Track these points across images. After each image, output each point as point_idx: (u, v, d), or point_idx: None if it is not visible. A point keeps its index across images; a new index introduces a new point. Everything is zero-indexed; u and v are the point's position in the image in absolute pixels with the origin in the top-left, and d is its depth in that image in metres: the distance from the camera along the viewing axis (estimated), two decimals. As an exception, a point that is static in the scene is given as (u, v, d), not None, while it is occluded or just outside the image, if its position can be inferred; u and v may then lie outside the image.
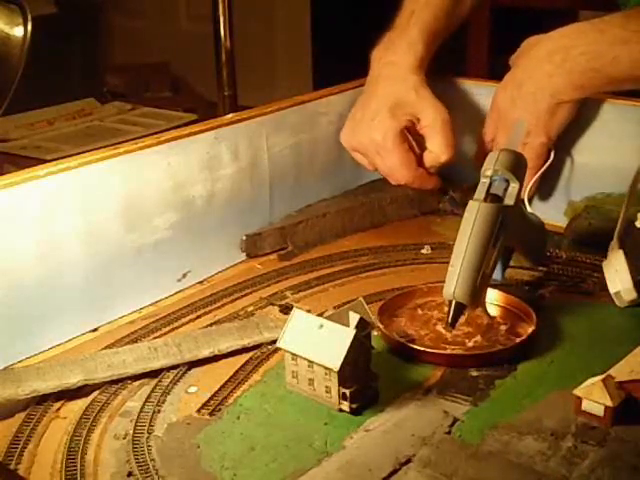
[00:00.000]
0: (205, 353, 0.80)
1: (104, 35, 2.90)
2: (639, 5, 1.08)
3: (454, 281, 0.79)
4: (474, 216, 0.81)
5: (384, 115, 1.05)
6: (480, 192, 0.83)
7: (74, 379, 0.77)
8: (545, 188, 1.09)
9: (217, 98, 1.58)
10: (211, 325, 0.88)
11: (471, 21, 2.19)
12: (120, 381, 0.78)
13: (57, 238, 0.85)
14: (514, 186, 0.84)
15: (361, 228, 1.12)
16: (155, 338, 0.86)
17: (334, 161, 1.16)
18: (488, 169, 0.84)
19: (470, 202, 0.82)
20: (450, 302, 0.80)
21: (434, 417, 0.72)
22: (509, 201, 0.83)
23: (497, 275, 0.86)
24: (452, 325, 0.81)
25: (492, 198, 0.83)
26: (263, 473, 0.67)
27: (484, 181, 0.84)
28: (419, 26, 1.07)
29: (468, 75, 1.13)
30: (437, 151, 1.05)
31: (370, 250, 1.05)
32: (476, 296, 0.80)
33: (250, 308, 0.92)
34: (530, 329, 0.83)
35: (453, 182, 1.16)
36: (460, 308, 0.80)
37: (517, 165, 0.85)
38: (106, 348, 0.84)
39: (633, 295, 0.89)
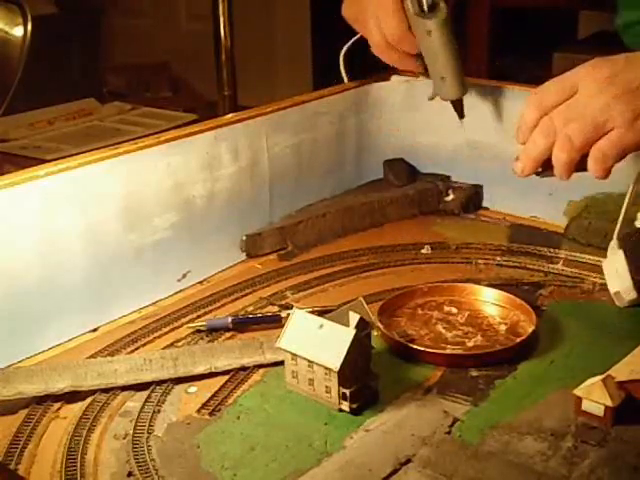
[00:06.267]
0: (200, 370, 0.79)
1: (104, 35, 2.90)
2: None
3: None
4: None
5: None
6: None
7: (61, 384, 0.76)
8: (545, 188, 1.09)
9: (217, 98, 1.58)
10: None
11: (471, 21, 2.19)
12: (109, 390, 0.77)
13: (57, 238, 0.85)
14: None
15: (361, 228, 1.11)
16: (155, 338, 0.86)
17: (334, 161, 1.16)
18: None
19: None
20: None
21: (434, 417, 0.72)
22: None
23: None
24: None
25: None
26: (263, 473, 0.67)
27: None
28: None
29: (468, 75, 1.13)
30: None
31: (370, 250, 1.05)
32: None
33: (250, 308, 0.92)
34: (530, 329, 0.83)
35: (453, 183, 1.16)
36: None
37: None
38: (106, 348, 0.84)
39: (633, 295, 0.89)
